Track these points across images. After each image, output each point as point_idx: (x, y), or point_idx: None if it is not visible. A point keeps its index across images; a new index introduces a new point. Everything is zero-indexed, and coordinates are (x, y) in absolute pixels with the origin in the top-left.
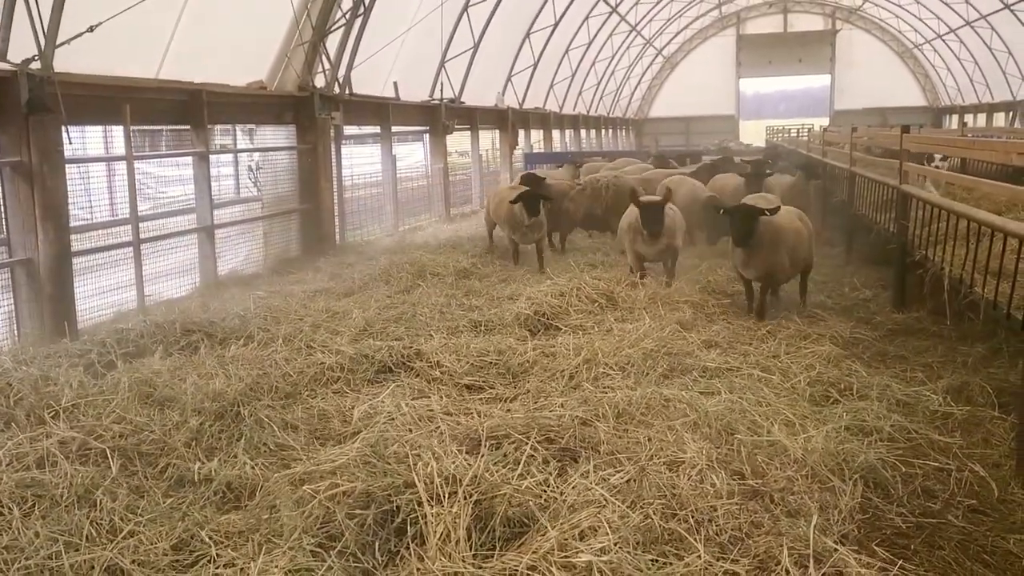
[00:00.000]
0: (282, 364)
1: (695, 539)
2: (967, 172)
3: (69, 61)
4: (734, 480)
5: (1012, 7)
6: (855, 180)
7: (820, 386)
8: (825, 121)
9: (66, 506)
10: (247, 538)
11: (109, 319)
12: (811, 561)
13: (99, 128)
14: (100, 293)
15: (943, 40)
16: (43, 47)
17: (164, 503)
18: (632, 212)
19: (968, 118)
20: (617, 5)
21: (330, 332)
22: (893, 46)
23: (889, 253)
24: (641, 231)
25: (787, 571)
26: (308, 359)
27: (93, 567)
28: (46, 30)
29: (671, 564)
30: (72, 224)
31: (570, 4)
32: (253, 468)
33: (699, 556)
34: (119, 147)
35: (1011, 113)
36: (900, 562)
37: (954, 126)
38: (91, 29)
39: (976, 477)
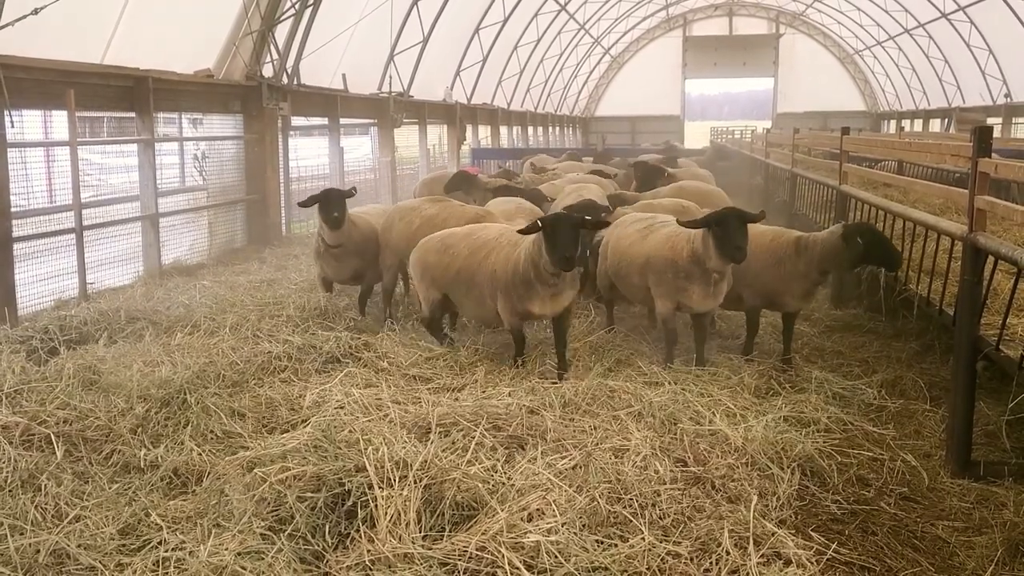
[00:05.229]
0: (229, 353)
1: (639, 522)
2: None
3: (12, 44)
4: (677, 467)
5: (949, 16)
6: (796, 181)
7: (761, 379)
8: (768, 124)
9: (10, 490)
10: (195, 522)
11: (51, 306)
12: (750, 543)
13: (38, 113)
14: (41, 280)
15: (882, 47)
16: None
17: (110, 488)
18: (668, 241)
19: (905, 123)
20: (566, 3)
21: (277, 322)
22: (834, 51)
23: None
24: (713, 267)
25: (727, 552)
26: (255, 348)
27: (39, 551)
28: None
29: (616, 545)
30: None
31: (519, 1)
32: (200, 455)
33: (643, 538)
34: (58, 132)
35: (946, 119)
36: (835, 545)
37: (892, 131)
38: (35, 12)
39: (908, 466)
